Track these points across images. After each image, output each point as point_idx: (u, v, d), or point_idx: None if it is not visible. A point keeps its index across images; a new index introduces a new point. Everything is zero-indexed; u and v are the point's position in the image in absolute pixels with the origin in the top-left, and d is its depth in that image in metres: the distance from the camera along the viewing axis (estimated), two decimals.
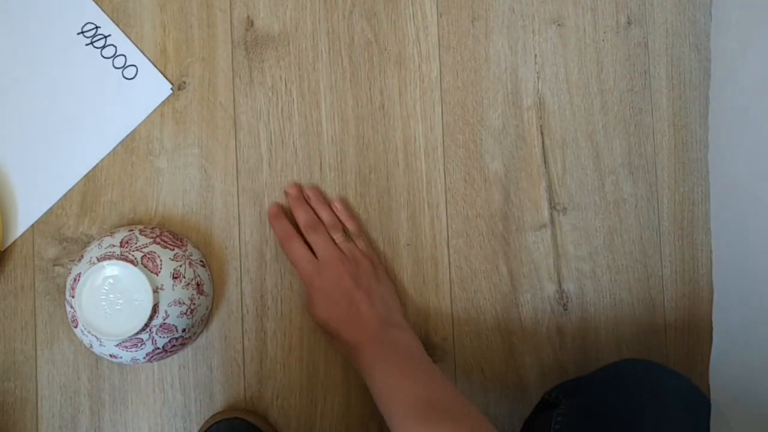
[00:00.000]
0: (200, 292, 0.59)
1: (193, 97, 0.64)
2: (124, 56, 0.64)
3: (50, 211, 0.63)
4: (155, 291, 0.55)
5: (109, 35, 0.64)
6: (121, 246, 0.57)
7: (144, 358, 0.58)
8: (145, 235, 0.58)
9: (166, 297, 0.56)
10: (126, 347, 0.56)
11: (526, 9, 0.67)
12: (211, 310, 0.63)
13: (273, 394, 0.63)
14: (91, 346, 0.58)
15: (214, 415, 0.61)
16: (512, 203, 0.66)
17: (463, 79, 0.66)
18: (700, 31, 0.67)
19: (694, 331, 0.66)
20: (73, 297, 0.56)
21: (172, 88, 0.64)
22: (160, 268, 0.56)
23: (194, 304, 0.58)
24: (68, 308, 0.58)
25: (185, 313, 0.57)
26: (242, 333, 0.63)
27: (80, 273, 0.56)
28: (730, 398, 0.52)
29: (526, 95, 0.66)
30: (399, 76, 0.66)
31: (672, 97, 0.67)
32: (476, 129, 0.66)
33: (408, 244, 0.65)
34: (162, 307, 0.55)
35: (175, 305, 0.56)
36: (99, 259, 0.56)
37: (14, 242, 0.63)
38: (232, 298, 0.63)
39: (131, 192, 0.64)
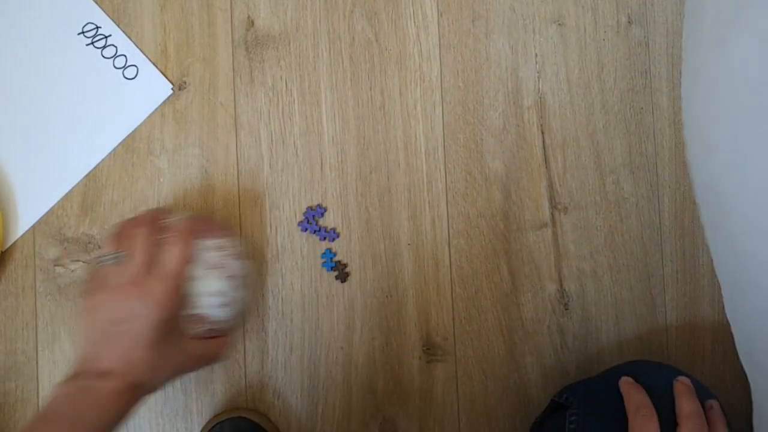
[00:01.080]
0: (243, 285, 0.57)
1: (194, 97, 0.64)
2: (125, 56, 0.64)
3: (51, 211, 0.63)
4: (193, 279, 0.53)
5: (110, 35, 0.64)
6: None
7: None
8: (183, 221, 0.56)
9: (204, 287, 0.53)
10: None
11: (526, 8, 0.67)
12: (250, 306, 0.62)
13: (274, 394, 0.63)
14: None
15: (217, 414, 0.61)
16: (513, 203, 0.66)
17: (464, 78, 0.66)
18: None
19: (695, 329, 0.66)
20: None
21: (172, 88, 0.64)
22: (195, 259, 0.54)
23: (233, 298, 0.56)
24: None
25: (222, 305, 0.55)
26: (243, 333, 0.63)
27: None
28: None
29: (526, 95, 0.66)
30: (399, 76, 0.66)
31: (672, 97, 0.67)
32: (477, 128, 0.66)
33: (409, 244, 0.65)
34: (198, 298, 0.53)
35: (213, 297, 0.54)
36: None
37: (15, 242, 0.63)
38: None
39: (132, 192, 0.64)
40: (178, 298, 0.51)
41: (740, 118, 0.50)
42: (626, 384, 0.54)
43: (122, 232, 0.54)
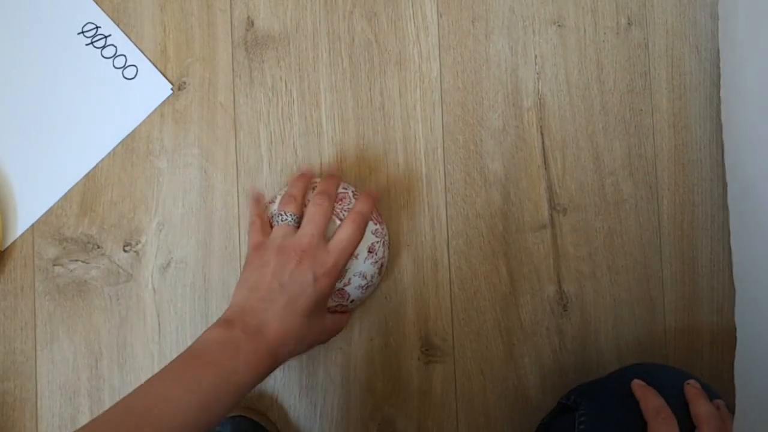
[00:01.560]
0: (380, 273, 0.60)
1: (194, 98, 0.64)
2: (125, 56, 0.64)
3: (50, 211, 0.63)
4: (350, 257, 0.56)
5: (110, 35, 0.64)
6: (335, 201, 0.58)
7: None
8: (357, 200, 0.59)
9: (356, 266, 0.57)
10: None
11: (526, 9, 0.67)
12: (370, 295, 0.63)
13: (273, 394, 0.63)
14: None
15: None
16: (512, 204, 0.66)
17: (464, 79, 0.66)
18: (700, 32, 0.67)
19: (694, 331, 0.66)
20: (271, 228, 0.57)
21: (172, 89, 0.64)
22: (362, 237, 0.57)
23: (372, 282, 0.59)
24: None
25: (362, 287, 0.58)
26: None
27: None
28: (756, 399, 0.51)
29: (526, 96, 0.66)
30: (399, 77, 0.66)
31: (672, 98, 0.67)
32: (476, 129, 0.66)
33: (408, 245, 0.65)
34: (348, 274, 0.56)
35: (359, 277, 0.57)
36: None
37: (14, 242, 0.63)
38: None
39: (131, 192, 0.64)
40: (339, 275, 0.54)
41: None
42: (640, 387, 0.54)
43: (298, 195, 0.56)
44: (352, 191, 0.60)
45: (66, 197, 0.63)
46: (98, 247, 0.63)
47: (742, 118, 0.57)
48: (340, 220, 0.56)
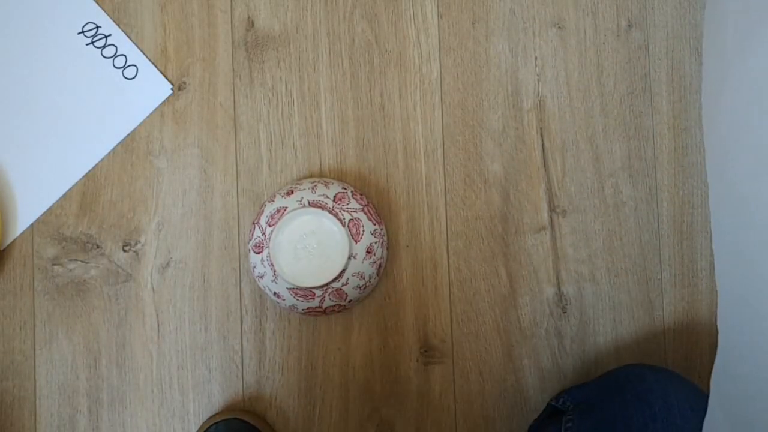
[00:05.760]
0: (378, 273, 0.60)
1: (194, 98, 0.65)
2: (125, 56, 0.64)
3: (50, 210, 0.63)
4: (349, 257, 0.56)
5: (110, 35, 0.64)
6: (334, 201, 0.58)
7: (304, 309, 0.59)
8: (356, 199, 0.59)
9: (354, 267, 0.57)
10: (296, 293, 0.57)
11: (526, 11, 0.67)
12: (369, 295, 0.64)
13: (271, 394, 0.63)
14: (261, 277, 0.58)
15: (212, 416, 0.61)
16: (512, 205, 0.66)
17: (464, 81, 0.66)
18: (700, 34, 0.67)
19: (693, 334, 0.66)
20: (270, 225, 0.57)
21: (172, 89, 0.64)
22: (361, 238, 0.57)
23: (370, 282, 0.59)
24: (256, 232, 0.59)
25: (360, 287, 0.58)
26: (241, 333, 0.63)
27: (287, 207, 0.57)
28: (733, 401, 0.52)
29: (526, 97, 0.66)
30: (399, 78, 0.66)
31: (672, 101, 0.67)
32: (476, 131, 0.66)
33: (407, 246, 0.65)
34: (346, 275, 0.57)
35: (357, 277, 0.58)
36: (311, 204, 0.57)
37: (14, 241, 0.63)
38: (231, 298, 0.63)
39: (131, 192, 0.64)
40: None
41: (764, 124, 0.49)
42: None
43: None
44: (351, 191, 0.60)
45: (66, 197, 0.63)
46: (97, 247, 0.63)
47: (724, 121, 0.58)
48: (340, 220, 0.56)
